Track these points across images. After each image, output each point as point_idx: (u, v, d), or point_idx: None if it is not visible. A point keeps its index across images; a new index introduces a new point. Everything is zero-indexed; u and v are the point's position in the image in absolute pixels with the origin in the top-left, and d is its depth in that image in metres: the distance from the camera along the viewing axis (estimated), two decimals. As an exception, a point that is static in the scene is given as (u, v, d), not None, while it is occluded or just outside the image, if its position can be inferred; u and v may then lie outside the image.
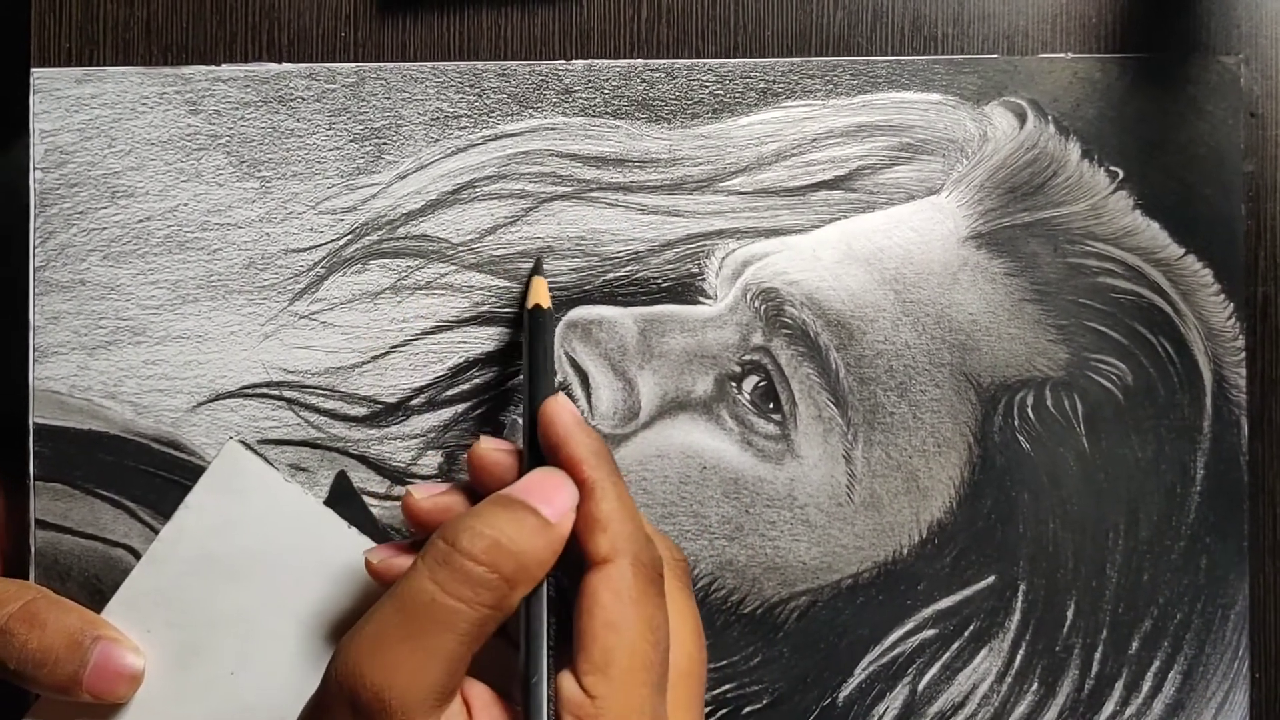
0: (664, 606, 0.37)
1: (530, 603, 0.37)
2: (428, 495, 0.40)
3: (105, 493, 0.45)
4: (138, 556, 0.44)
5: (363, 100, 0.45)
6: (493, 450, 0.40)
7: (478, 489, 0.40)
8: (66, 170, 0.45)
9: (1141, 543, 0.45)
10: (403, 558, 0.40)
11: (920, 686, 0.45)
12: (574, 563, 0.37)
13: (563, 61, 0.46)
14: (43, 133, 0.45)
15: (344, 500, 0.45)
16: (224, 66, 0.46)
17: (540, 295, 0.43)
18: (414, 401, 0.45)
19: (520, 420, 0.45)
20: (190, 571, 0.44)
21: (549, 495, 0.37)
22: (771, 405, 0.45)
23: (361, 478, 0.45)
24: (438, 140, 0.45)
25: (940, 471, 0.45)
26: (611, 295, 0.45)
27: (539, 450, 0.39)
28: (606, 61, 0.46)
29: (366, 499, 0.45)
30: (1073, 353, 0.45)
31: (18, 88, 0.45)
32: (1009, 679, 0.45)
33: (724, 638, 0.45)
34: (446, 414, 0.45)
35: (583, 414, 0.45)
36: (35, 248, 0.45)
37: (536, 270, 0.45)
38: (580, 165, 0.46)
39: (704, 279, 0.46)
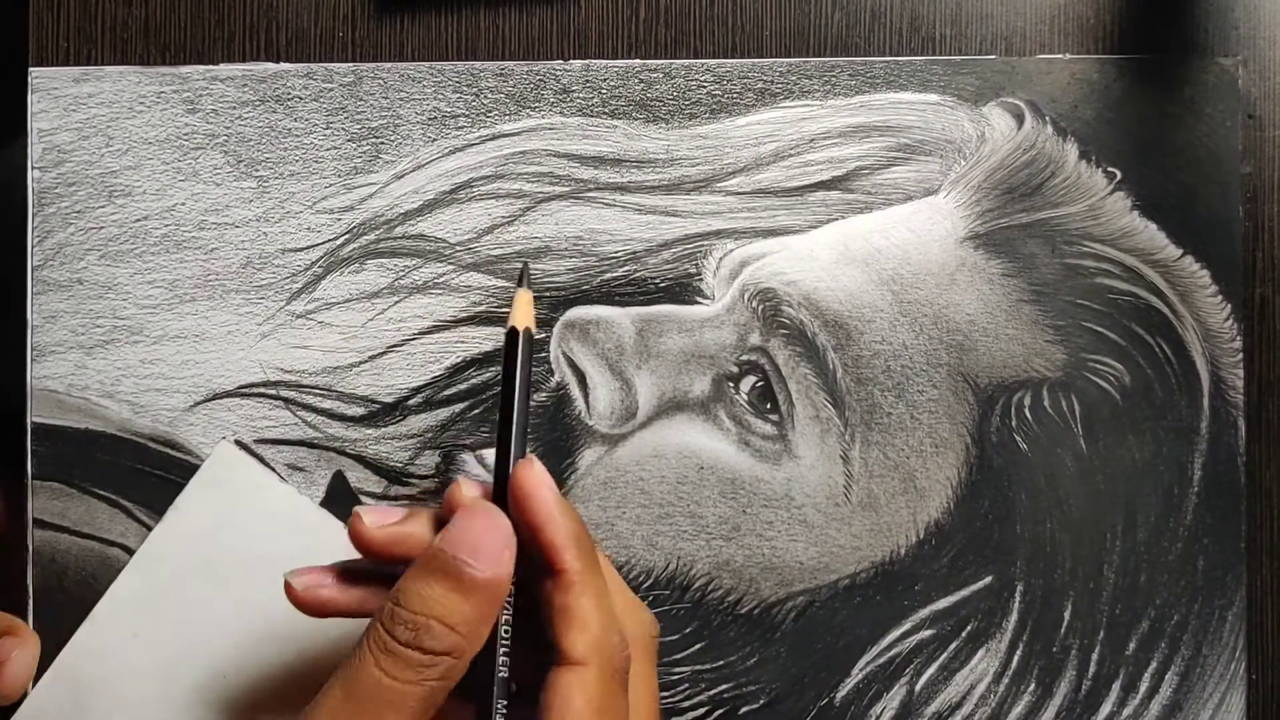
0: (626, 710, 0.36)
1: (479, 658, 0.36)
2: (379, 524, 0.38)
3: (102, 492, 0.45)
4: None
5: (360, 100, 0.45)
6: (469, 497, 0.38)
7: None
8: (64, 169, 0.45)
9: (1139, 543, 0.45)
10: (328, 586, 0.38)
11: (917, 687, 0.45)
12: (536, 570, 0.36)
13: (560, 61, 0.46)
14: (40, 132, 0.45)
15: (341, 500, 0.45)
16: (221, 66, 0.46)
17: (523, 314, 0.39)
18: (411, 401, 0.45)
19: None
20: (181, 573, 0.44)
21: (477, 544, 0.35)
22: (769, 405, 0.45)
23: (359, 477, 0.45)
24: (435, 140, 0.45)
25: (938, 472, 0.45)
26: (609, 295, 0.45)
27: (508, 506, 0.37)
28: (604, 62, 0.46)
29: (364, 499, 0.45)
30: (1070, 353, 0.45)
31: (16, 87, 0.45)
32: (1006, 679, 0.45)
33: (721, 638, 0.45)
34: (444, 414, 0.45)
35: (580, 414, 0.45)
36: (33, 247, 0.45)
37: (521, 281, 0.40)
38: (578, 165, 0.46)
39: (701, 279, 0.46)
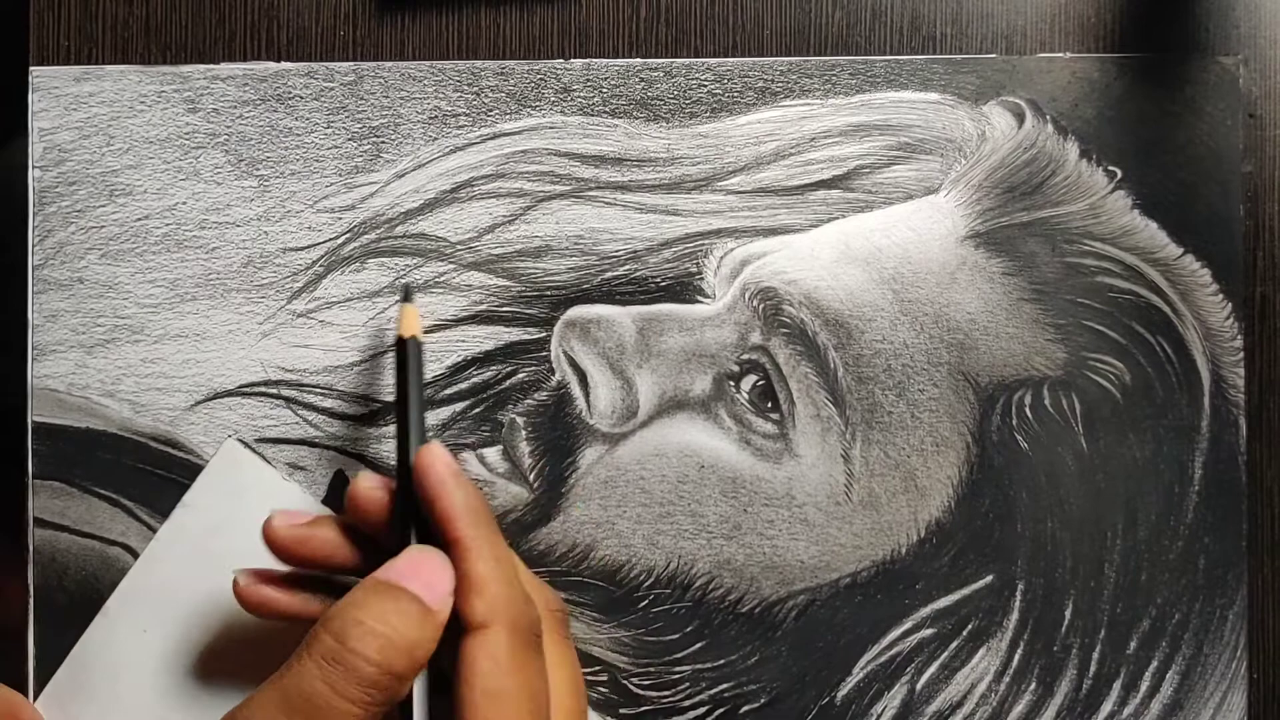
0: (543, 670, 0.36)
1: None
2: (287, 524, 0.39)
3: (103, 491, 0.45)
4: (135, 555, 0.44)
5: (361, 99, 0.45)
6: (370, 489, 0.39)
7: (356, 524, 0.40)
8: (65, 168, 0.45)
9: (1140, 542, 0.45)
10: (271, 588, 0.40)
11: (918, 686, 0.45)
12: (449, 622, 0.36)
13: (561, 60, 0.46)
14: (41, 131, 0.45)
15: (342, 499, 0.45)
16: (222, 65, 0.46)
17: (409, 324, 0.42)
18: (412, 400, 0.45)
19: (518, 420, 0.45)
20: (188, 570, 0.44)
21: (429, 579, 0.36)
22: (770, 404, 0.45)
23: (359, 476, 0.45)
24: (436, 139, 0.45)
25: (938, 471, 0.45)
26: (610, 294, 0.45)
27: (412, 499, 0.38)
28: (605, 60, 0.46)
29: (364, 498, 0.45)
30: (1071, 352, 0.45)
31: (16, 86, 0.45)
32: (1007, 678, 0.45)
33: (722, 637, 0.45)
34: (444, 413, 0.45)
35: (581, 413, 0.45)
36: (33, 246, 0.45)
37: (406, 297, 0.44)
38: (578, 164, 0.46)
39: (702, 278, 0.46)
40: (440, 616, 0.36)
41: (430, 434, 0.40)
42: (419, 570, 0.36)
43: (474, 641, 0.35)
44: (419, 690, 0.36)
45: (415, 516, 0.38)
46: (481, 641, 0.35)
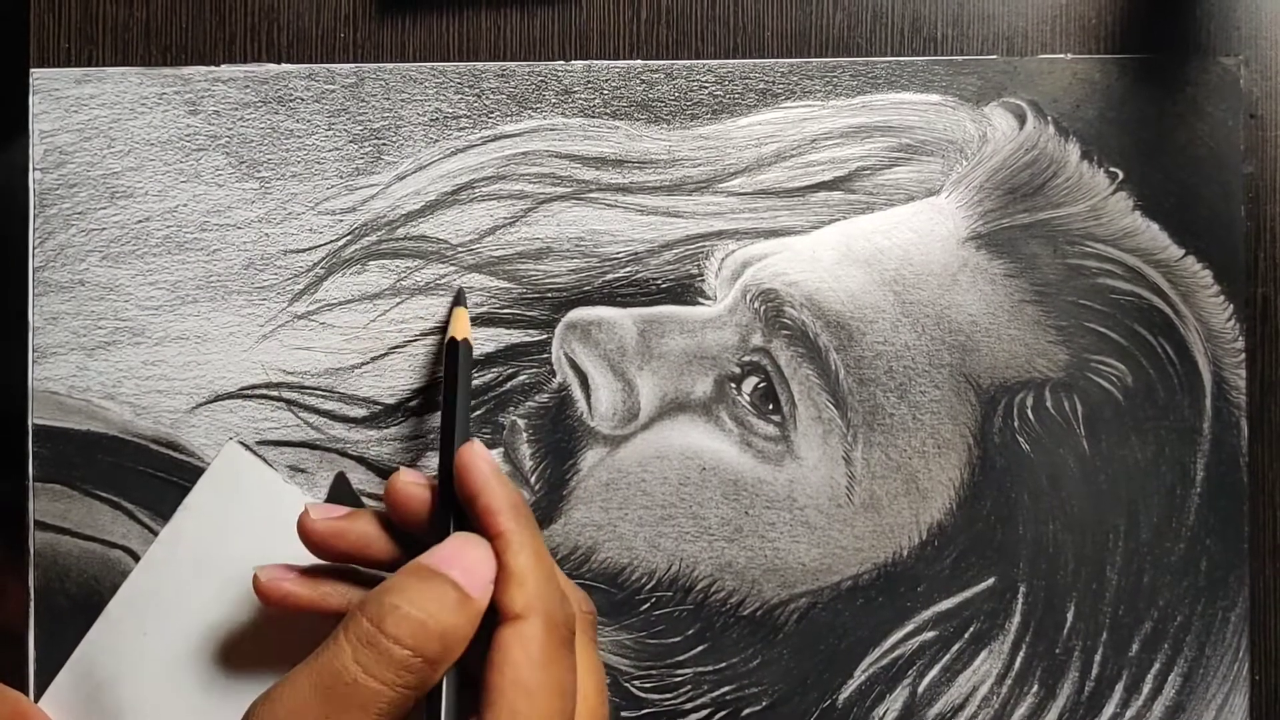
0: (574, 668, 0.36)
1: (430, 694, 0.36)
2: (324, 517, 0.40)
3: (104, 494, 0.45)
4: (136, 558, 0.44)
5: (362, 101, 0.45)
6: (411, 484, 0.39)
7: (393, 520, 0.40)
8: (65, 171, 0.45)
9: (1141, 544, 0.45)
10: (292, 581, 0.40)
11: (920, 688, 0.45)
12: (485, 615, 0.36)
13: (562, 62, 0.46)
14: (42, 133, 0.45)
15: (343, 501, 0.45)
16: (223, 67, 0.46)
17: (461, 327, 0.43)
18: (413, 403, 0.45)
19: (519, 422, 0.45)
20: (190, 573, 0.44)
21: (470, 566, 0.36)
22: (771, 406, 0.45)
23: (360, 479, 0.45)
24: (437, 141, 0.45)
25: (940, 473, 0.45)
26: (611, 296, 0.45)
27: (453, 494, 0.39)
28: (606, 62, 0.46)
29: (366, 500, 0.45)
30: (1072, 354, 0.45)
31: (17, 88, 0.45)
32: (1009, 681, 0.45)
33: (723, 640, 0.45)
34: (446, 415, 0.45)
35: (582, 415, 0.45)
36: (34, 248, 0.45)
37: (459, 301, 0.44)
38: (579, 166, 0.46)
39: (703, 280, 0.45)
40: (479, 604, 0.36)
41: (460, 434, 0.41)
42: (463, 557, 0.36)
43: (509, 631, 0.35)
44: (449, 681, 0.36)
45: (456, 510, 0.39)
46: (517, 632, 0.35)
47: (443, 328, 0.45)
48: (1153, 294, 0.46)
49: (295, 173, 0.45)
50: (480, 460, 0.38)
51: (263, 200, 0.45)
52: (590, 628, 0.40)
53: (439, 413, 0.45)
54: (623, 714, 0.45)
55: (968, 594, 0.45)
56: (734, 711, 0.45)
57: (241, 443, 0.45)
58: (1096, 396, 0.45)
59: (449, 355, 0.42)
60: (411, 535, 0.40)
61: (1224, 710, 0.45)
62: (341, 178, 0.45)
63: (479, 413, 0.45)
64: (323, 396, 0.45)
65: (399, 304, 0.45)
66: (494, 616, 0.36)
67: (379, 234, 0.45)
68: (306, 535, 0.40)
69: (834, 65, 0.46)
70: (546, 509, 0.45)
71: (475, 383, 0.45)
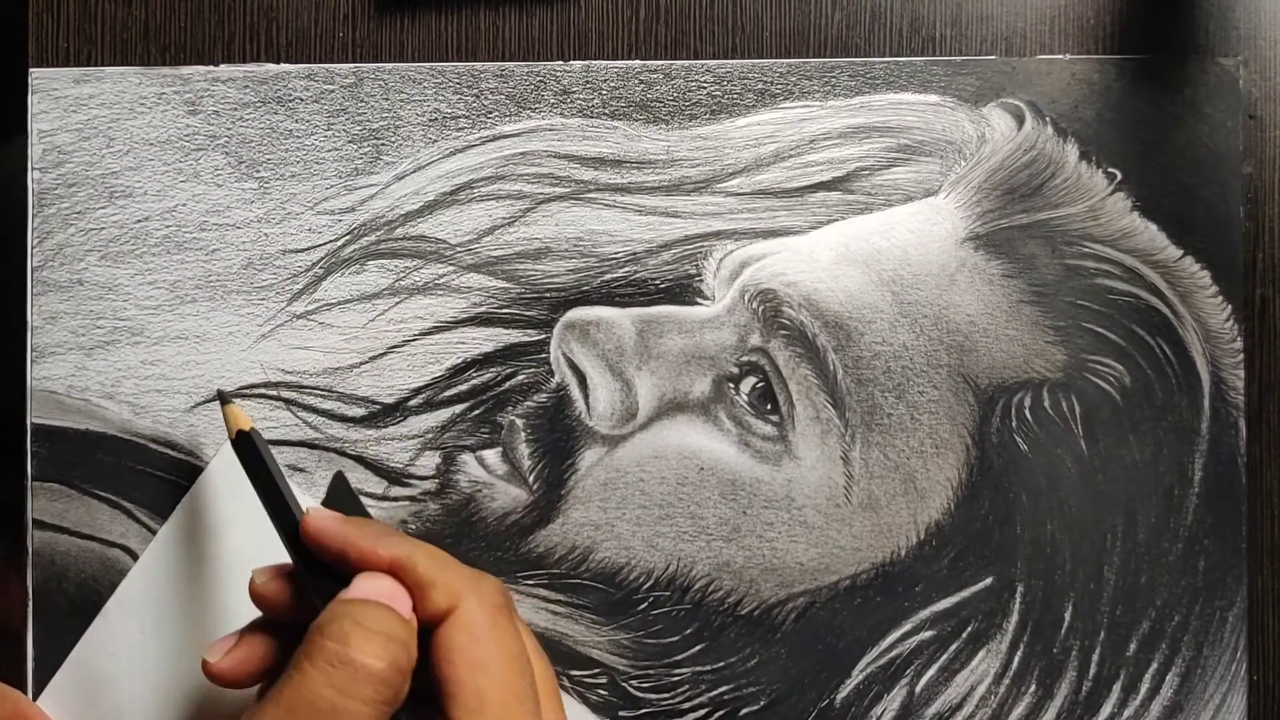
0: (518, 634, 0.36)
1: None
2: (221, 653, 0.38)
3: (102, 493, 0.45)
4: (134, 557, 0.44)
5: (361, 101, 0.45)
6: (267, 583, 0.39)
7: (270, 618, 0.39)
8: (64, 170, 0.45)
9: (1139, 544, 0.45)
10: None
11: (918, 688, 0.45)
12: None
13: (561, 62, 0.46)
14: (41, 133, 0.45)
15: (342, 501, 0.45)
16: (222, 67, 0.46)
17: (241, 420, 0.41)
18: (412, 402, 0.45)
19: (517, 422, 0.45)
20: (188, 572, 0.44)
21: (390, 594, 0.36)
22: (769, 406, 0.45)
23: (359, 478, 0.45)
24: (436, 141, 0.45)
25: (938, 473, 0.45)
26: (609, 296, 0.45)
27: (319, 566, 0.38)
28: (604, 63, 0.46)
29: (364, 500, 0.45)
30: (1071, 354, 0.45)
31: (16, 87, 0.45)
32: (1006, 680, 0.45)
33: (721, 639, 0.45)
34: (444, 414, 0.45)
35: (580, 415, 0.45)
36: (33, 247, 0.45)
37: (224, 401, 0.43)
38: (578, 166, 0.46)
39: (702, 280, 0.45)
40: (413, 624, 0.36)
41: (295, 509, 0.39)
42: (378, 589, 0.36)
43: (445, 626, 0.36)
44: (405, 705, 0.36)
45: (331, 574, 0.38)
46: (453, 622, 0.36)
47: (441, 327, 0.45)
48: (1151, 294, 0.46)
49: (294, 173, 0.45)
50: (324, 521, 0.38)
51: (262, 200, 0.45)
52: (509, 606, 0.40)
53: (436, 412, 0.45)
54: (620, 714, 0.45)
55: (965, 594, 0.45)
56: (732, 711, 0.45)
57: (240, 442, 0.45)
58: (1094, 397, 0.45)
59: (244, 451, 0.41)
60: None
61: (1221, 710, 0.45)
62: (340, 178, 0.45)
63: (477, 413, 0.45)
64: (321, 396, 0.45)
65: (398, 304, 0.45)
66: (428, 636, 0.36)
67: (378, 234, 0.45)
68: (214, 679, 0.38)
69: (833, 65, 0.46)
70: (544, 509, 0.45)
71: (474, 382, 0.45)
